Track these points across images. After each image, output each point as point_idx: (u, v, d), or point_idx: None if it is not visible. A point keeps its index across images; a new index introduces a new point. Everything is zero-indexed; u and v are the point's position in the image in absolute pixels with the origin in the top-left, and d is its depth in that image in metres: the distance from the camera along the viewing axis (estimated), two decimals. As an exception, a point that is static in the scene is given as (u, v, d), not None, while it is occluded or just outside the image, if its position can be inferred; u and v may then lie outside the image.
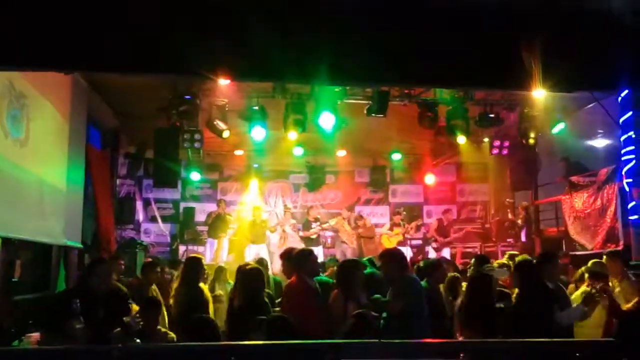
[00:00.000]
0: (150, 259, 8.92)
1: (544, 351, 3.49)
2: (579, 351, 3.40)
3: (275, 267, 10.34)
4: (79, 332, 4.15)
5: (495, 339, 4.22)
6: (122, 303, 5.04)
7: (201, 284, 6.09)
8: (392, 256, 5.45)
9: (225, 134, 10.73)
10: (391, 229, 14.11)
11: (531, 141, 11.12)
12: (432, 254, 12.46)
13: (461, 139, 10.81)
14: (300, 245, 11.96)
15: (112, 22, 4.48)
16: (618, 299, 5.61)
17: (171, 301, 6.11)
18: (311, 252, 5.78)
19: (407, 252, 13.01)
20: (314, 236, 13.50)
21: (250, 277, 5.33)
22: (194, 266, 6.06)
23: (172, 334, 5.20)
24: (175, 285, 6.19)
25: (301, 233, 13.70)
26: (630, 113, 8.57)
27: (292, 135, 10.35)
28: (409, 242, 14.04)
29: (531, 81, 4.89)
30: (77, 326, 4.16)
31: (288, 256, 6.17)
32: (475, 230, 14.26)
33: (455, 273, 6.82)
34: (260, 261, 7.31)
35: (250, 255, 13.14)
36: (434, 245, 13.36)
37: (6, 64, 4.81)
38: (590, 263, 6.12)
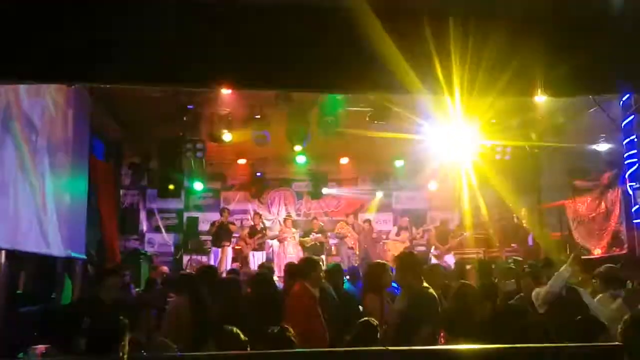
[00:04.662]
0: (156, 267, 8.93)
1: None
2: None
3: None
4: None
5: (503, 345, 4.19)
6: (131, 314, 5.00)
7: None
8: (408, 261, 5.29)
9: (227, 137, 10.69)
10: (398, 233, 14.03)
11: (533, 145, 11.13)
12: (433, 262, 12.33)
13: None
14: (302, 254, 12.01)
15: (114, 34, 4.50)
16: None
17: None
18: (316, 261, 5.80)
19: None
20: (308, 244, 13.35)
21: None
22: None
23: (174, 345, 5.14)
24: None
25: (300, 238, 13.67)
26: (632, 117, 8.60)
27: (296, 147, 10.43)
28: (414, 248, 13.97)
29: (532, 86, 4.89)
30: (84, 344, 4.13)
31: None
32: (479, 236, 14.16)
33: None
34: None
35: (254, 263, 13.12)
36: (435, 252, 13.28)
37: (8, 77, 4.82)
38: (603, 268, 5.79)
